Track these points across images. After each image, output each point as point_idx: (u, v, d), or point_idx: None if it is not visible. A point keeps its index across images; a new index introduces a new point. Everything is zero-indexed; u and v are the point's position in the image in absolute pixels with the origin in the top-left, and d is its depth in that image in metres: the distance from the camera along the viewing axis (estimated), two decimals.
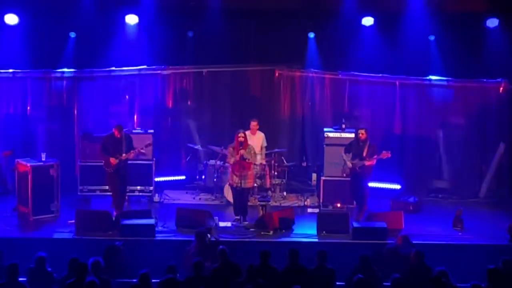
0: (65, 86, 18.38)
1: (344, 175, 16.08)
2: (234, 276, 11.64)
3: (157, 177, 17.83)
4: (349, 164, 15.73)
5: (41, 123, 18.37)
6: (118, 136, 15.71)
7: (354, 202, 16.16)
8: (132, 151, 15.73)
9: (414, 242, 13.95)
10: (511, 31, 17.68)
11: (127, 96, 18.76)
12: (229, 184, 16.15)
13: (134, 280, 11.01)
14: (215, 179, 17.56)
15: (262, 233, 15.09)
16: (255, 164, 16.24)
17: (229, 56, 18.63)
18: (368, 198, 16.02)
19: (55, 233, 14.96)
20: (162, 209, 16.73)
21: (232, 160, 15.64)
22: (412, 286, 11.33)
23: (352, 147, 15.86)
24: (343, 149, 16.08)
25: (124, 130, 16.05)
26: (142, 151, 16.02)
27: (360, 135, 15.69)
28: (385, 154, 15.62)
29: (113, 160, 15.60)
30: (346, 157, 15.89)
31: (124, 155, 15.63)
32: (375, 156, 15.58)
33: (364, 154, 15.61)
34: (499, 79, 17.94)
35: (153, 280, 11.13)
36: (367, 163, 15.59)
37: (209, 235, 13.54)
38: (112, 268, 11.91)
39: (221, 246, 12.31)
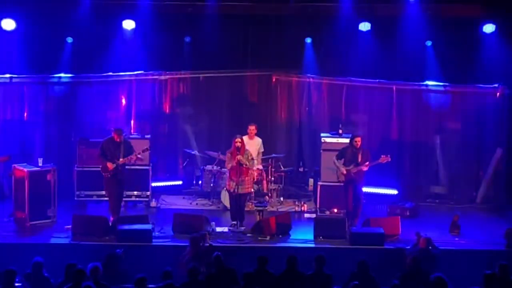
0: (62, 91, 18.37)
1: (340, 180, 16.07)
2: (230, 282, 11.64)
3: (154, 182, 17.83)
4: (344, 170, 15.71)
5: (38, 128, 18.34)
6: (118, 140, 15.69)
7: (346, 209, 16.12)
8: (130, 156, 15.71)
9: (409, 247, 14.02)
10: (507, 37, 17.69)
11: (124, 101, 18.77)
12: (226, 189, 16.15)
13: (130, 286, 11.03)
14: (212, 184, 17.56)
15: (259, 238, 15.10)
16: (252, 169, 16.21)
17: (226, 61, 18.65)
18: (363, 202, 16.05)
19: (52, 238, 14.96)
20: (159, 214, 16.74)
21: (229, 166, 15.65)
22: None
23: (345, 153, 15.85)
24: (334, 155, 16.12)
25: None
26: (139, 156, 16.00)
27: (356, 143, 15.67)
28: (385, 159, 15.64)
29: (110, 165, 15.58)
30: (338, 163, 15.89)
31: (121, 159, 15.62)
32: (373, 161, 15.61)
33: (359, 160, 15.62)
34: (495, 85, 17.95)
35: (150, 286, 11.15)
36: (364, 168, 15.59)
37: (203, 241, 13.53)
38: (112, 275, 11.90)
39: (216, 252, 12.32)
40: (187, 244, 13.48)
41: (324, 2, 18.15)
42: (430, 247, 13.45)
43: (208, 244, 13.71)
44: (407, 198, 17.44)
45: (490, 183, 18.05)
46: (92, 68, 18.17)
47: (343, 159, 15.85)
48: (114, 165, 15.58)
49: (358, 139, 15.72)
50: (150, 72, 18.68)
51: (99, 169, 15.97)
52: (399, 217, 15.81)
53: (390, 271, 12.35)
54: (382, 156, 15.68)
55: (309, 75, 18.93)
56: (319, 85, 18.98)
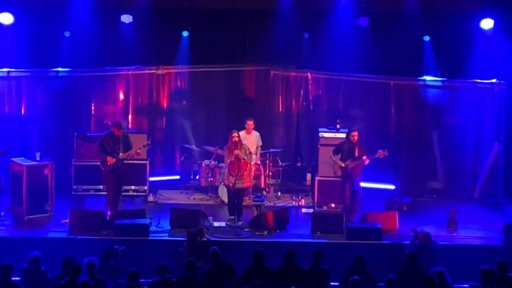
0: (60, 85, 18.36)
1: (337, 175, 16.06)
2: (227, 277, 11.65)
3: (151, 176, 17.83)
4: (341, 164, 15.71)
5: (36, 123, 18.35)
6: (117, 134, 15.69)
7: (343, 204, 16.13)
8: (129, 151, 15.70)
9: (407, 242, 14.03)
10: (505, 32, 17.70)
11: (121, 96, 18.76)
12: (225, 184, 16.12)
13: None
14: (209, 179, 17.55)
15: (256, 233, 15.10)
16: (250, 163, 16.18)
17: (224, 56, 18.64)
18: (360, 197, 16.06)
19: (49, 232, 14.96)
20: (156, 209, 16.73)
21: (228, 161, 15.63)
22: (406, 287, 11.36)
23: (342, 149, 15.85)
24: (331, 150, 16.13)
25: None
26: (138, 151, 16.01)
27: (353, 137, 15.68)
28: (382, 153, 15.63)
29: (109, 159, 15.58)
30: (335, 158, 15.89)
31: (121, 154, 15.62)
32: (370, 156, 15.62)
33: (356, 155, 15.62)
34: (493, 80, 17.95)
35: (147, 280, 11.17)
36: (366, 161, 15.57)
37: (200, 235, 13.54)
38: (108, 269, 11.91)
39: (212, 247, 12.32)
40: (184, 238, 13.49)
41: None
42: (428, 242, 13.46)
43: (205, 239, 13.72)
44: (405, 193, 17.46)
45: (488, 178, 18.06)
46: (90, 63, 18.15)
47: (340, 154, 15.85)
48: (114, 159, 15.57)
49: (355, 133, 15.73)
50: (148, 66, 18.68)
51: (97, 163, 15.98)
52: (397, 212, 15.84)
53: (387, 266, 12.35)
54: (379, 150, 15.68)
55: (307, 70, 18.91)
56: (317, 80, 18.97)
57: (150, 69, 18.72)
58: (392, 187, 17.97)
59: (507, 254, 12.59)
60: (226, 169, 15.85)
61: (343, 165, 15.71)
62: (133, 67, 18.57)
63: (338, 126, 17.21)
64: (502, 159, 18.03)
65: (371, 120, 18.53)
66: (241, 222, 15.59)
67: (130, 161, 16.56)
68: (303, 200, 17.42)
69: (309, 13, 18.20)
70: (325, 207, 16.88)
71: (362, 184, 16.42)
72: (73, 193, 17.31)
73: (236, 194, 15.68)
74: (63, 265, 11.48)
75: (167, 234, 14.95)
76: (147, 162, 17.51)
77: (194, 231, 13.39)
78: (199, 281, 11.17)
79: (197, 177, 17.96)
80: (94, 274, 11.13)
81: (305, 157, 18.85)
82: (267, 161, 17.73)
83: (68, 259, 11.45)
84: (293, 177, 18.81)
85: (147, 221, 14.89)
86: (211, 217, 15.49)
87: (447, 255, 13.68)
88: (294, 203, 17.38)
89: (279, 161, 18.05)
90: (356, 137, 15.68)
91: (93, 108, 18.60)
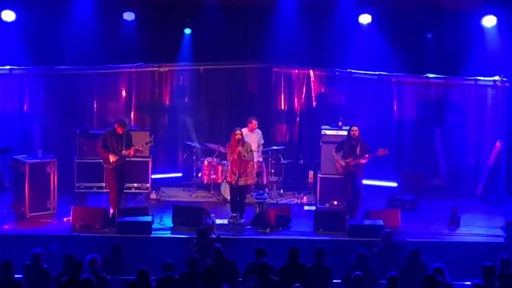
0: (62, 83, 18.37)
1: (339, 173, 16.06)
2: (229, 274, 11.66)
3: (154, 174, 17.81)
4: (342, 163, 15.72)
5: (38, 120, 18.35)
6: (120, 132, 15.69)
7: (345, 202, 16.13)
8: (132, 148, 15.70)
9: (410, 240, 14.02)
10: (507, 29, 17.69)
11: (124, 93, 18.76)
12: (227, 181, 16.13)
13: (130, 277, 11.03)
14: (212, 177, 17.55)
15: (258, 230, 15.12)
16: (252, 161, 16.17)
17: (226, 53, 18.64)
18: (363, 195, 16.05)
19: (52, 230, 14.95)
20: (158, 206, 16.73)
21: (231, 158, 15.63)
22: (408, 283, 11.37)
23: (344, 146, 15.84)
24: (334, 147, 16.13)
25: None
26: (141, 148, 16.00)
27: (354, 132, 15.67)
28: (382, 152, 15.63)
29: (112, 157, 15.58)
30: (337, 155, 15.89)
31: (124, 151, 15.62)
32: (371, 154, 15.61)
33: (358, 152, 15.61)
34: (495, 77, 17.94)
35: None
36: (362, 161, 15.59)
37: (210, 233, 13.55)
38: (114, 266, 11.93)
39: (215, 244, 12.33)
40: (186, 236, 13.51)
41: None
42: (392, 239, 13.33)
43: (216, 236, 13.73)
44: (407, 191, 17.42)
45: (490, 175, 18.05)
46: (92, 60, 18.14)
47: (341, 152, 15.85)
48: (117, 157, 15.57)
49: (356, 128, 15.71)
50: (150, 64, 18.67)
51: (100, 160, 15.98)
52: (399, 209, 15.83)
53: (389, 263, 12.35)
54: (380, 149, 15.68)
55: (309, 67, 18.90)
56: (319, 77, 18.96)
57: (153, 67, 18.72)
58: (394, 184, 17.97)
59: (510, 252, 12.59)
60: (229, 166, 15.86)
61: (343, 164, 15.71)
62: (135, 64, 18.57)
63: (340, 123, 17.20)
64: (504, 157, 18.03)
65: (373, 117, 18.52)
66: (243, 220, 15.59)
67: (133, 159, 16.56)
68: (305, 198, 17.41)
69: (311, 10, 18.19)
70: (327, 205, 16.89)
71: (365, 182, 16.45)
72: (75, 190, 17.31)
73: (238, 192, 15.68)
74: (64, 262, 11.50)
75: (169, 232, 14.96)
76: (149, 159, 17.51)
77: (204, 229, 13.40)
78: (200, 278, 11.18)
79: (200, 174, 17.96)
80: (97, 271, 11.15)
81: (308, 154, 18.85)
82: (270, 159, 17.73)
83: (69, 256, 11.47)
84: (295, 174, 18.79)
85: (149, 218, 14.90)
86: (213, 215, 15.47)
87: (449, 253, 13.70)
88: (296, 200, 17.39)
89: (282, 158, 18.04)
90: (357, 132, 15.65)
91: (95, 105, 18.60)
